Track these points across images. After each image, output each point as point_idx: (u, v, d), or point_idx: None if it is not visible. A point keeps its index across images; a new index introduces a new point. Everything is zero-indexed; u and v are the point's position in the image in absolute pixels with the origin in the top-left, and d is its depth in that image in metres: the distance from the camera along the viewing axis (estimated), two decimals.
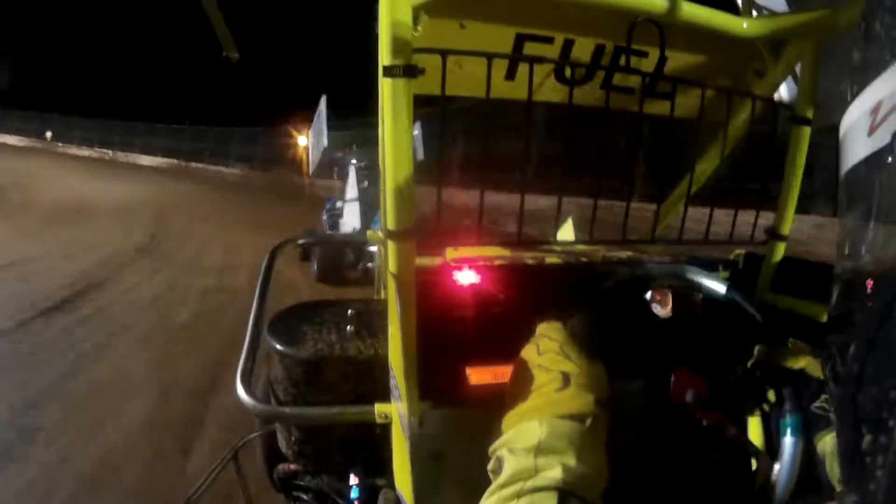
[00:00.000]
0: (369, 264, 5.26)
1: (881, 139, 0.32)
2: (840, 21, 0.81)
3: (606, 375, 0.64)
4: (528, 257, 1.03)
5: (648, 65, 0.86)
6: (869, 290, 0.32)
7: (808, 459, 0.67)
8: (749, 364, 0.74)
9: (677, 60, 0.93)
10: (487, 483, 0.57)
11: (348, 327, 0.98)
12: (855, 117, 0.36)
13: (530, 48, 0.87)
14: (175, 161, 20.50)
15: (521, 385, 0.61)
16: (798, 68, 0.97)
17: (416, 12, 0.66)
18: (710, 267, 0.97)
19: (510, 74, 0.92)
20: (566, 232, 1.66)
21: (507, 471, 0.52)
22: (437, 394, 0.77)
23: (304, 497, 1.17)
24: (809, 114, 0.96)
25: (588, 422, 0.56)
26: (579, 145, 0.85)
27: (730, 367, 0.75)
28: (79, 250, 6.29)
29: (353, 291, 5.12)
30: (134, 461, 2.36)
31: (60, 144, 24.87)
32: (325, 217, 6.75)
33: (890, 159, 0.32)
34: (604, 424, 0.58)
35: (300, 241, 1.65)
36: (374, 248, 5.07)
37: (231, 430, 2.49)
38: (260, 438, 1.44)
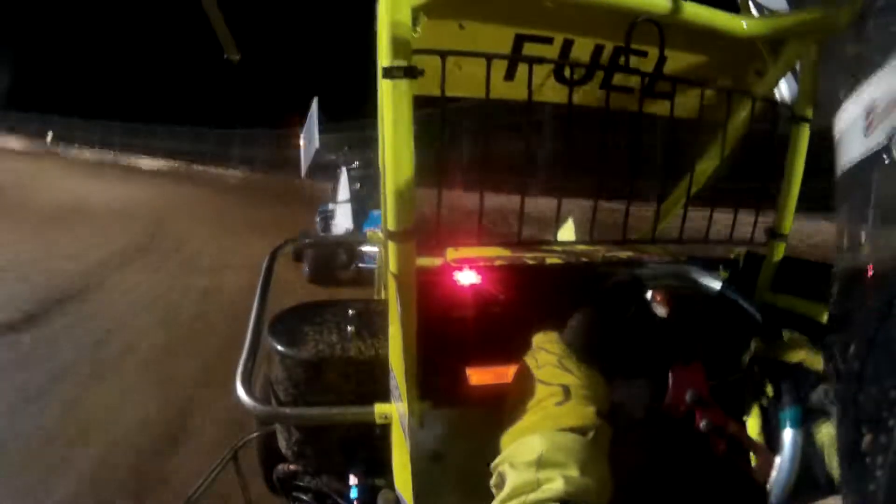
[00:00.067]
0: (361, 265, 5.28)
1: (877, 139, 0.32)
2: (840, 21, 0.81)
3: (606, 383, 0.64)
4: (529, 257, 1.03)
5: (648, 65, 0.86)
6: (868, 290, 0.32)
7: (808, 452, 0.66)
8: (746, 359, 0.74)
9: (677, 60, 0.93)
10: (488, 484, 0.57)
11: (349, 328, 0.98)
12: (850, 117, 0.36)
13: (529, 48, 0.88)
14: (176, 163, 20.34)
15: (520, 400, 0.60)
16: (798, 68, 0.97)
17: (416, 13, 0.66)
18: (711, 267, 0.97)
19: (509, 75, 0.92)
20: (566, 232, 1.66)
21: (508, 485, 0.52)
22: (438, 394, 0.77)
23: (304, 497, 1.17)
24: (809, 113, 0.96)
25: (590, 434, 0.56)
26: (581, 145, 0.85)
27: (730, 367, 0.75)
28: (70, 254, 6.23)
29: (345, 292, 5.11)
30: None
31: (61, 146, 24.75)
32: (318, 219, 6.77)
33: (886, 159, 0.32)
34: (606, 436, 0.58)
35: (301, 242, 1.65)
36: (365, 249, 5.12)
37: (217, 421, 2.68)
38: (259, 439, 1.44)
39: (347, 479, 1.01)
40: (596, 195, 0.90)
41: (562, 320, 0.70)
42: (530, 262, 1.01)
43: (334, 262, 5.41)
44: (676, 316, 0.76)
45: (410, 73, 0.65)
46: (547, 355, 0.63)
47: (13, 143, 25.90)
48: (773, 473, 0.66)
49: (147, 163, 21.33)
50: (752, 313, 0.78)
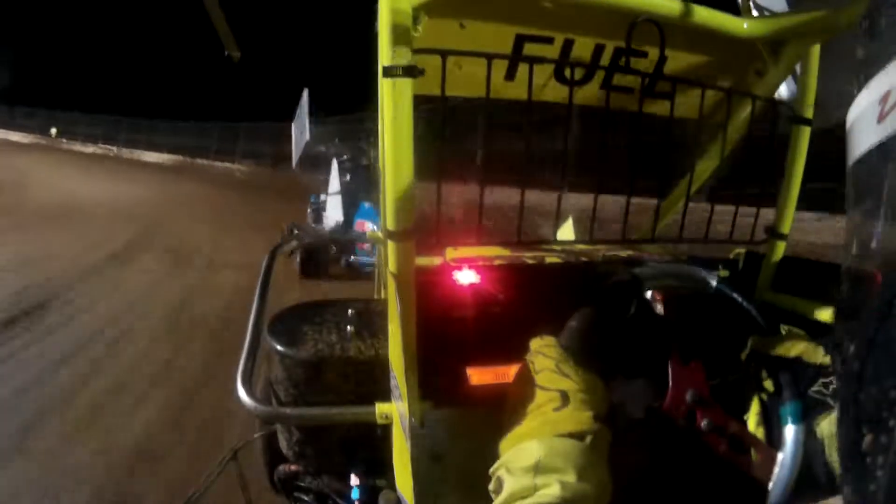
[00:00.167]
0: (351, 258, 5.27)
1: (891, 126, 0.32)
2: (841, 21, 0.81)
3: (605, 387, 0.64)
4: (528, 257, 1.03)
5: (648, 65, 0.86)
6: (873, 287, 0.32)
7: (809, 448, 0.66)
8: (744, 355, 0.74)
9: (677, 60, 0.93)
10: (488, 484, 0.57)
11: (349, 327, 0.98)
12: (862, 107, 0.35)
13: (530, 48, 0.88)
14: (180, 158, 20.19)
15: (519, 405, 0.60)
16: (798, 68, 0.97)
17: (416, 12, 0.66)
18: (710, 266, 0.97)
19: (510, 75, 0.92)
20: (566, 231, 1.66)
21: (506, 490, 0.52)
22: (438, 394, 0.77)
23: (305, 498, 1.17)
24: (810, 114, 0.96)
25: (588, 439, 0.56)
26: (582, 145, 0.85)
27: (730, 366, 0.75)
28: (60, 251, 6.17)
29: (336, 285, 5.10)
30: None
31: (65, 141, 24.76)
32: (309, 211, 6.75)
33: None
34: (604, 440, 0.58)
35: (303, 240, 1.65)
36: (356, 243, 5.11)
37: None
38: (260, 439, 1.44)
39: (348, 479, 1.01)
40: (596, 195, 0.90)
41: (561, 320, 0.70)
42: (530, 261, 1.01)
43: (326, 256, 5.40)
44: (676, 315, 0.76)
45: (411, 72, 0.65)
46: (545, 360, 0.63)
47: (17, 137, 25.92)
48: (776, 471, 0.65)
49: (150, 157, 21.23)
50: (754, 314, 0.78)
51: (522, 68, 0.87)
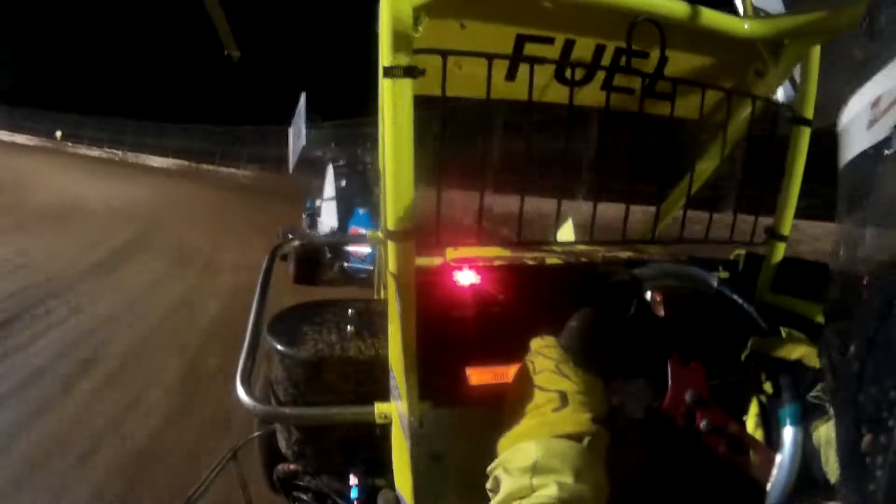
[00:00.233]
0: (345, 264, 5.27)
1: (881, 132, 0.32)
2: (841, 21, 0.81)
3: (604, 388, 0.64)
4: (528, 257, 1.03)
5: (649, 65, 0.86)
6: (868, 288, 0.32)
7: (807, 450, 0.66)
8: (744, 356, 0.74)
9: (678, 61, 0.93)
10: (486, 483, 0.57)
11: (348, 327, 0.98)
12: (854, 112, 0.36)
13: (531, 49, 0.88)
14: (185, 162, 20.12)
15: (518, 405, 0.60)
16: (798, 69, 0.97)
17: (417, 13, 0.66)
18: (710, 267, 0.97)
19: (510, 75, 0.92)
20: (566, 232, 1.66)
21: (503, 490, 0.52)
22: (438, 394, 0.77)
23: (304, 497, 1.17)
24: (810, 114, 0.96)
25: (586, 441, 0.56)
26: (583, 147, 0.84)
27: (730, 367, 0.75)
28: (59, 252, 6.15)
29: (331, 292, 5.04)
30: None
31: (70, 144, 24.72)
32: (304, 215, 6.74)
33: (888, 153, 0.32)
34: (603, 442, 0.58)
35: (304, 240, 1.64)
36: (351, 249, 5.11)
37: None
38: (259, 439, 1.44)
39: (347, 478, 1.01)
40: (595, 195, 0.90)
41: (561, 320, 0.70)
42: (530, 262, 1.01)
43: (320, 261, 5.40)
44: (676, 316, 0.76)
45: (411, 72, 0.65)
46: (544, 360, 0.63)
47: (22, 139, 25.89)
48: (774, 472, 0.65)
49: (156, 161, 21.18)
50: (754, 315, 0.78)
51: (523, 69, 0.87)
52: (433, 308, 0.81)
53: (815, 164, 0.95)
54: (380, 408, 0.82)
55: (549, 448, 0.54)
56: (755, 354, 0.73)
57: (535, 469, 0.52)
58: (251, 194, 13.45)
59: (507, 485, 0.52)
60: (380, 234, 1.33)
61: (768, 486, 0.65)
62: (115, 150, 23.25)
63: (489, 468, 0.57)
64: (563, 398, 0.58)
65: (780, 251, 1.02)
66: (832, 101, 0.92)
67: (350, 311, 1.02)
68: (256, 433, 1.41)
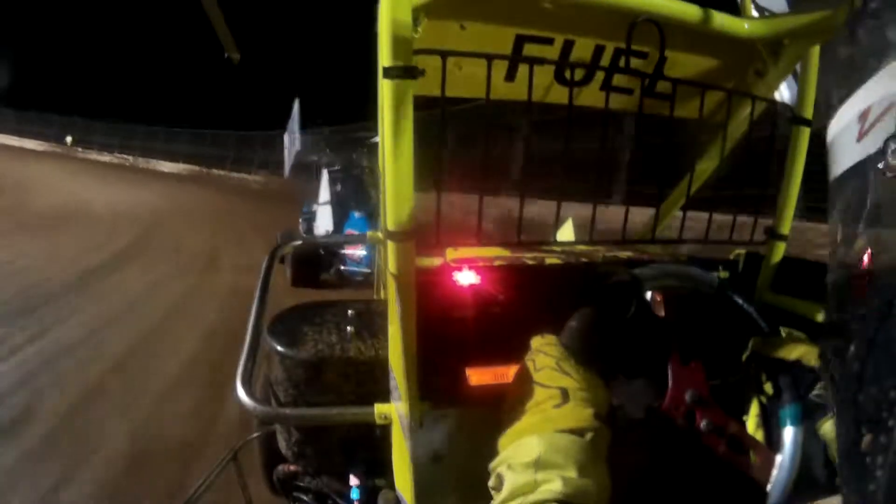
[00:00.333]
0: (342, 267, 5.28)
1: (871, 145, 0.32)
2: (840, 22, 0.81)
3: (605, 385, 0.64)
4: (528, 258, 1.03)
5: (648, 65, 0.86)
6: (864, 294, 0.32)
7: (808, 450, 0.66)
8: (744, 357, 0.74)
9: (677, 61, 0.93)
10: (488, 481, 0.57)
11: (349, 328, 0.98)
12: (843, 123, 0.35)
13: (530, 49, 0.88)
14: (196, 167, 19.92)
15: (519, 402, 0.60)
16: (798, 69, 0.97)
17: (417, 13, 0.66)
18: (710, 267, 0.97)
19: (510, 76, 0.92)
20: (566, 233, 1.66)
21: (507, 487, 0.52)
22: (438, 394, 0.77)
23: (304, 498, 1.17)
24: (809, 115, 0.96)
25: (588, 436, 0.56)
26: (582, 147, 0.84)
27: (731, 367, 0.75)
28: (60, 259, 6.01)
29: (328, 295, 5.02)
30: None
31: (80, 149, 24.67)
32: (300, 220, 6.77)
33: (879, 166, 0.32)
34: (604, 438, 0.58)
35: (301, 241, 1.65)
36: (347, 252, 5.13)
37: None
38: (259, 439, 1.44)
39: (348, 479, 1.01)
40: (595, 196, 0.90)
41: (561, 320, 0.70)
42: (530, 262, 1.01)
43: (317, 264, 5.40)
44: (676, 316, 0.76)
45: (411, 73, 0.65)
46: (545, 358, 0.63)
47: (32, 144, 25.81)
48: (774, 472, 0.65)
49: (166, 166, 21.05)
50: (752, 314, 0.78)
51: (522, 69, 0.87)
52: (433, 308, 0.81)
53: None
54: (380, 408, 0.82)
55: (551, 443, 0.54)
56: (755, 355, 0.73)
57: (539, 464, 0.52)
58: (260, 200, 12.99)
59: (511, 481, 0.52)
60: (380, 234, 1.33)
61: (768, 487, 0.65)
62: (125, 155, 23.13)
63: (491, 465, 0.57)
64: (565, 394, 0.58)
65: (779, 251, 1.02)
66: (830, 102, 0.93)
67: (350, 311, 1.02)
68: (256, 434, 1.41)
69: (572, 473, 0.51)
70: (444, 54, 0.72)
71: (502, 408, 0.64)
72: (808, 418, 0.67)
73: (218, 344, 3.74)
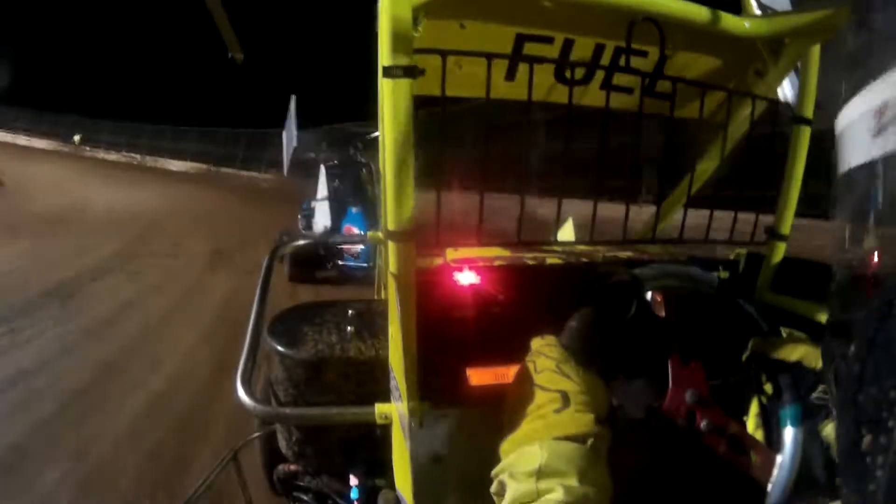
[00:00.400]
0: (339, 263, 5.29)
1: (890, 143, 0.32)
2: (841, 20, 0.81)
3: (606, 387, 0.64)
4: (528, 258, 1.03)
5: (648, 65, 0.86)
6: (868, 291, 0.32)
7: (808, 451, 0.66)
8: (744, 357, 0.74)
9: (677, 60, 0.93)
10: (488, 484, 0.57)
11: (349, 328, 0.98)
12: (856, 116, 0.35)
13: (530, 48, 0.88)
14: (205, 166, 19.64)
15: (520, 406, 0.60)
16: (799, 68, 0.97)
17: (417, 12, 0.66)
18: (711, 267, 0.97)
19: (510, 75, 0.92)
20: (566, 232, 1.66)
21: (508, 495, 0.52)
22: (438, 394, 0.77)
23: (304, 498, 1.17)
24: (810, 114, 0.96)
25: (589, 441, 0.56)
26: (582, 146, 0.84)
27: (731, 367, 0.75)
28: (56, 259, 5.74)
29: (326, 290, 4.98)
30: None
31: (88, 148, 24.46)
32: (299, 217, 6.77)
33: None
34: (605, 442, 0.58)
35: (302, 241, 1.65)
36: (344, 247, 5.12)
37: None
38: (260, 439, 1.44)
39: (348, 479, 1.01)
40: (595, 195, 0.90)
41: (562, 320, 0.70)
42: (530, 262, 1.01)
43: (314, 260, 5.40)
44: (676, 316, 0.76)
45: (411, 72, 0.65)
46: (546, 360, 0.63)
47: (40, 144, 25.67)
48: (775, 472, 0.65)
49: (174, 165, 20.84)
50: (753, 315, 0.78)
51: (522, 68, 0.87)
52: (433, 308, 0.81)
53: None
54: (380, 408, 0.82)
55: (553, 451, 0.54)
56: (756, 355, 0.73)
57: (540, 473, 0.52)
58: (269, 200, 12.21)
59: (513, 489, 0.52)
60: (380, 234, 1.33)
61: (769, 487, 0.65)
62: (132, 154, 22.91)
63: (493, 472, 0.57)
64: (565, 398, 0.58)
65: (780, 251, 1.02)
66: (830, 102, 0.93)
67: (350, 311, 1.02)
68: (257, 433, 1.41)
69: (573, 481, 0.51)
70: (444, 53, 0.72)
71: (503, 410, 0.64)
72: (808, 419, 0.67)
73: (189, 388, 2.98)
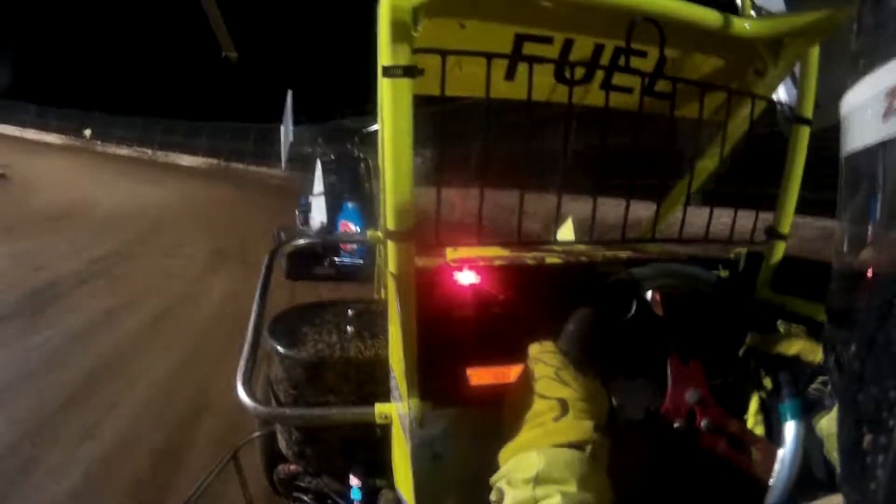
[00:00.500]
0: (336, 259, 5.29)
1: None
2: (840, 20, 0.81)
3: (605, 392, 0.64)
4: (528, 257, 1.03)
5: (648, 65, 0.86)
6: (868, 288, 0.32)
7: (808, 445, 0.66)
8: (742, 353, 0.74)
9: (677, 60, 0.93)
10: (488, 484, 0.57)
11: (349, 328, 0.98)
12: (864, 98, 0.34)
13: (530, 48, 0.88)
14: (216, 161, 19.54)
15: (518, 414, 0.60)
16: (798, 68, 0.97)
17: (416, 12, 0.66)
18: (710, 266, 0.97)
19: (510, 74, 0.92)
20: (566, 232, 1.66)
21: (507, 502, 0.52)
22: (438, 394, 0.77)
23: (305, 498, 1.17)
24: (809, 114, 0.96)
25: (588, 449, 0.56)
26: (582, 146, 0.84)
27: (731, 366, 0.75)
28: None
29: (323, 287, 4.95)
30: None
31: (99, 143, 24.33)
32: (297, 213, 6.76)
33: None
34: (604, 449, 0.58)
35: (301, 242, 1.64)
36: (342, 244, 5.11)
37: None
38: (260, 439, 1.44)
39: (348, 479, 1.01)
40: (595, 195, 0.90)
41: (561, 320, 0.70)
42: (530, 261, 1.01)
43: (312, 257, 5.38)
44: (676, 315, 0.76)
45: (410, 72, 0.65)
46: (544, 367, 0.63)
47: (52, 138, 25.51)
48: (776, 467, 0.65)
49: (185, 160, 20.68)
50: (751, 314, 0.78)
51: (522, 68, 0.87)
52: (433, 308, 0.81)
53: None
54: (380, 408, 0.82)
55: (551, 458, 0.54)
56: (754, 351, 0.73)
57: (538, 480, 0.52)
58: (276, 195, 11.45)
59: (511, 497, 0.52)
60: (380, 234, 1.33)
61: (771, 481, 0.65)
62: (144, 149, 22.69)
63: (492, 479, 0.57)
64: (564, 406, 0.58)
65: (780, 250, 1.02)
66: (830, 101, 0.92)
67: (350, 311, 1.02)
68: (257, 433, 1.41)
69: (572, 488, 0.51)
70: (443, 53, 0.72)
71: (502, 416, 0.64)
72: (806, 413, 0.67)
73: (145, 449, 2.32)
